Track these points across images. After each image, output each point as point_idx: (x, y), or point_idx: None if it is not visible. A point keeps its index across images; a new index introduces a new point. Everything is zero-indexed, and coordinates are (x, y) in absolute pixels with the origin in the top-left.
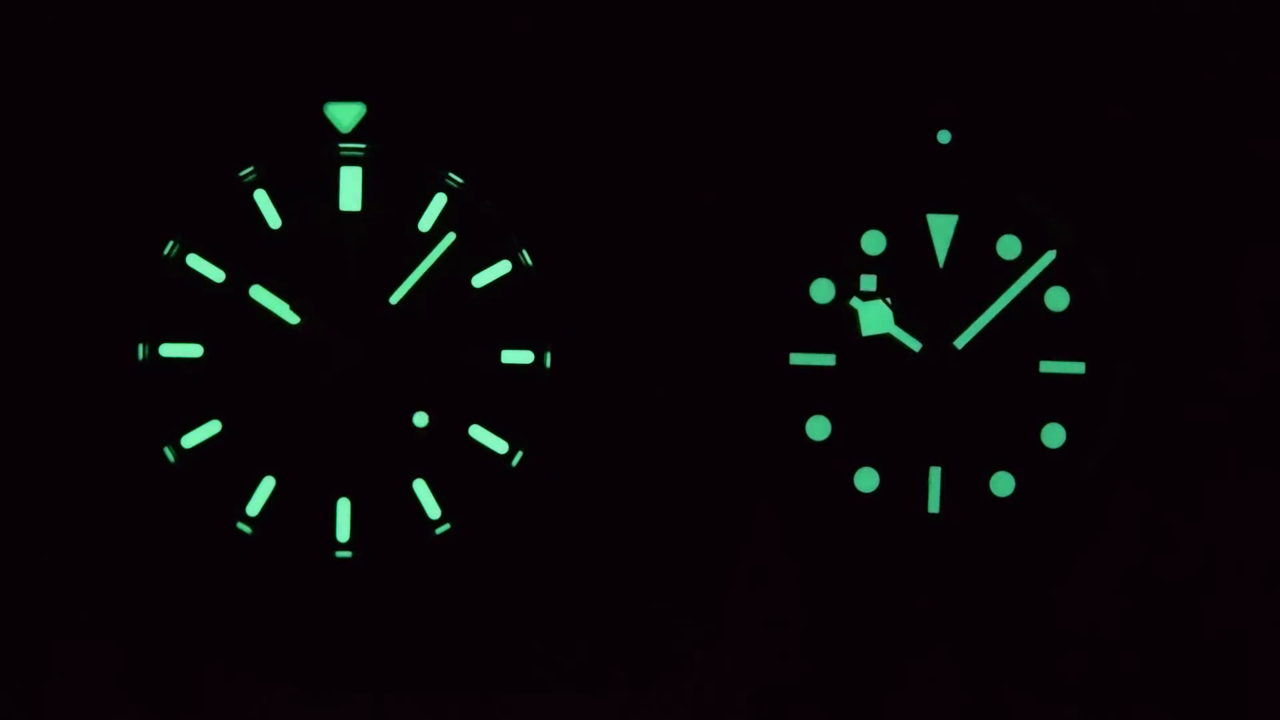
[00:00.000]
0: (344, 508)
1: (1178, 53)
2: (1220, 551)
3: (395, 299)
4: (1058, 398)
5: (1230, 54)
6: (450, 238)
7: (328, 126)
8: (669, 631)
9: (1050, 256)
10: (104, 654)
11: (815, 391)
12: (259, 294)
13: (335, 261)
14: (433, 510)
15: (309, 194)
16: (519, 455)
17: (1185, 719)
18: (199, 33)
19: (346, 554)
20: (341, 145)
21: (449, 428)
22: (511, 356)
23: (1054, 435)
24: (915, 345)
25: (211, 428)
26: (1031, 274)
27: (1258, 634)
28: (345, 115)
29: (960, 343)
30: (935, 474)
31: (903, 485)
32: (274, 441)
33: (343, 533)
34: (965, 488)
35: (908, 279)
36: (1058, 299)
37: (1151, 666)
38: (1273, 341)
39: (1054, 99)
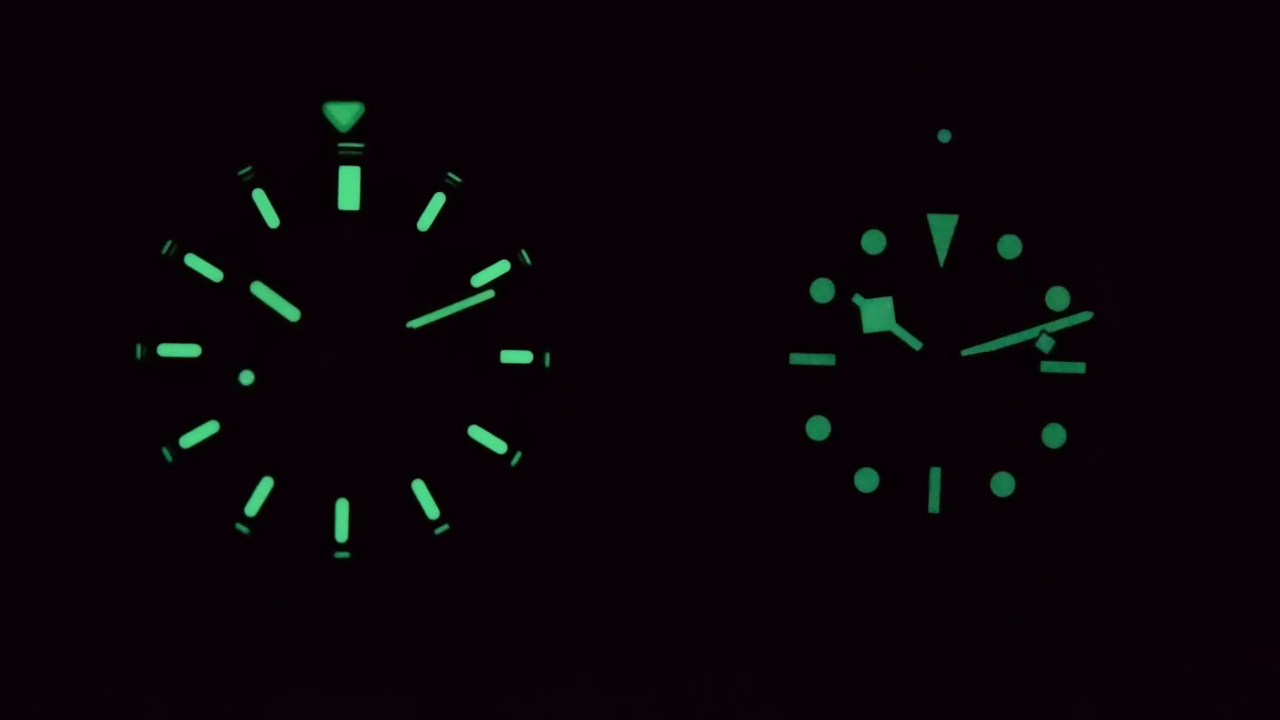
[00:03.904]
0: (343, 508)
1: (1178, 54)
2: (1220, 551)
3: (416, 324)
4: (1058, 398)
5: (1234, 57)
6: (489, 294)
7: (326, 126)
8: (668, 631)
9: (1086, 316)
10: (101, 654)
11: (815, 391)
12: (260, 291)
13: (334, 261)
14: (432, 510)
15: (307, 193)
16: (518, 455)
17: (1185, 717)
18: (198, 33)
19: (345, 554)
20: (340, 144)
21: (449, 428)
22: (511, 356)
23: (1054, 435)
24: (916, 345)
25: (209, 428)
26: (1062, 324)
27: (1258, 632)
28: (344, 114)
29: (968, 353)
30: (935, 474)
31: (903, 485)
32: (272, 442)
33: (341, 533)
34: (965, 488)
35: (908, 278)
36: (1058, 299)
37: (1151, 666)
38: (1273, 341)
39: (1053, 99)
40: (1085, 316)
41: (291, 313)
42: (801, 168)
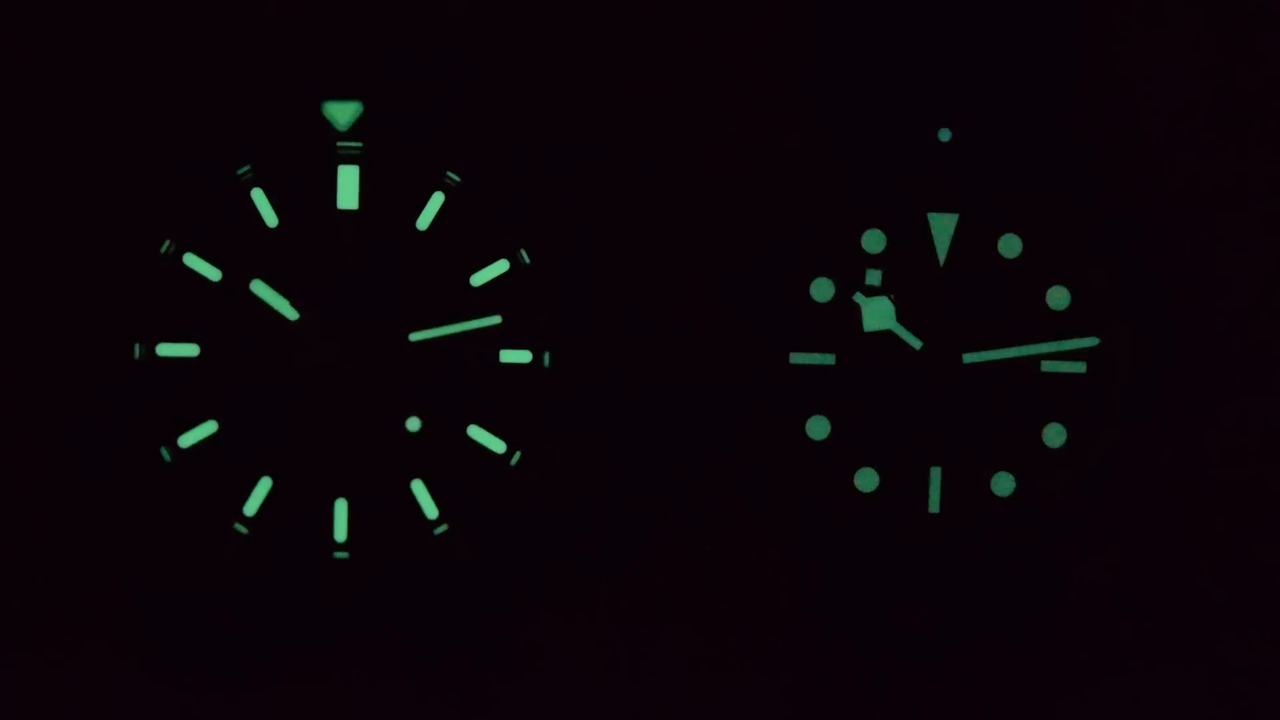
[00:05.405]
0: (341, 508)
1: (1178, 53)
2: (1219, 551)
3: (416, 338)
4: (1058, 398)
5: (1235, 56)
6: (495, 319)
7: (325, 125)
8: (667, 631)
9: (1093, 341)
10: (100, 654)
11: (815, 391)
12: (259, 289)
13: (333, 260)
14: (431, 510)
15: (306, 192)
16: (517, 455)
17: (1187, 717)
18: (198, 32)
19: (344, 554)
20: (339, 143)
21: (447, 428)
22: (510, 356)
23: (1054, 435)
24: (916, 344)
25: (208, 428)
26: (1068, 345)
27: (1258, 632)
28: (342, 113)
29: (970, 359)
30: (935, 474)
31: (903, 485)
32: (271, 441)
33: (340, 533)
34: (965, 488)
35: (908, 278)
36: (1058, 299)
37: (1152, 666)
38: (1273, 342)
39: (1053, 99)
40: (1092, 341)
41: (290, 312)
42: (802, 167)
